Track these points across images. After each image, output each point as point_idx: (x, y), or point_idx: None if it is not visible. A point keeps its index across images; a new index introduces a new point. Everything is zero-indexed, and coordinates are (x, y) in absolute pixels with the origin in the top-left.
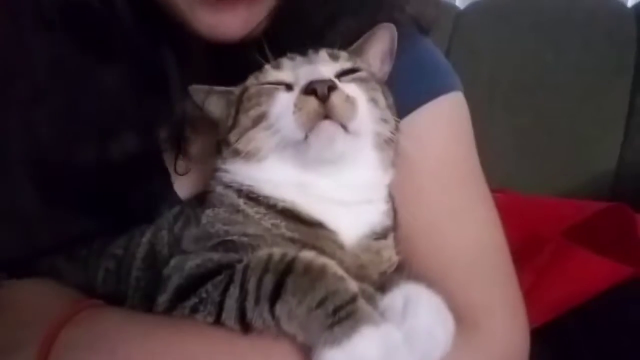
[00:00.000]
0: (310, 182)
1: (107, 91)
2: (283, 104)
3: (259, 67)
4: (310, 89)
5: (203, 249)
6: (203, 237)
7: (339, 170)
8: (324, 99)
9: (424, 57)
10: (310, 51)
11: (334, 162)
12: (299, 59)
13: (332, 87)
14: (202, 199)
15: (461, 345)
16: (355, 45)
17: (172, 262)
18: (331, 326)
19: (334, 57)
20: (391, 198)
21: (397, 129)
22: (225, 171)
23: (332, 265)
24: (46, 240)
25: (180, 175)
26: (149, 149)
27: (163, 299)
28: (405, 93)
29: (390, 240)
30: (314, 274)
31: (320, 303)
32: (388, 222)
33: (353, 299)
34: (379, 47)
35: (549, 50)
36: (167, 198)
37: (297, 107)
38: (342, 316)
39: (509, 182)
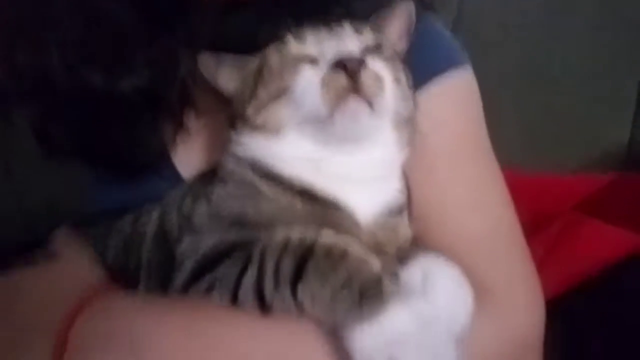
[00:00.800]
0: (327, 159)
1: (119, 22)
2: (308, 79)
3: (275, 35)
4: (340, 65)
5: (217, 227)
6: (216, 215)
7: (359, 149)
8: (353, 75)
9: (430, 33)
10: (333, 23)
11: (356, 140)
12: (323, 31)
13: (362, 63)
14: (209, 177)
15: (482, 319)
16: (374, 20)
17: (185, 241)
18: (359, 305)
19: (359, 31)
20: (404, 176)
21: (415, 108)
22: (240, 145)
23: (354, 246)
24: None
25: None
26: (157, 91)
27: (179, 279)
28: (414, 68)
29: (405, 217)
30: (336, 257)
31: (345, 284)
32: (403, 199)
33: (378, 278)
34: (398, 23)
35: (555, 31)
36: (165, 166)
37: (325, 83)
38: (369, 295)
39: (518, 164)
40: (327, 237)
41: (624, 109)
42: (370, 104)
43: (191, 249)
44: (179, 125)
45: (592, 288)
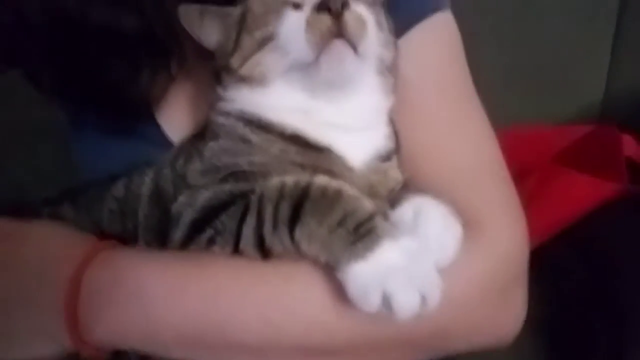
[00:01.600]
0: (315, 108)
1: None
2: (293, 23)
3: None
4: (323, 5)
5: (212, 182)
6: (210, 170)
7: (345, 95)
8: (337, 16)
9: None
10: None
11: (341, 85)
12: None
13: (345, 4)
14: (199, 136)
15: (469, 247)
16: None
17: (181, 197)
18: (354, 242)
19: None
20: (391, 121)
21: (397, 54)
22: (227, 100)
23: (347, 187)
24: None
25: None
26: (156, 33)
27: (177, 235)
28: (395, 15)
29: (394, 162)
30: (331, 197)
31: (341, 222)
32: (391, 144)
33: (371, 217)
34: None
35: None
36: (152, 130)
37: (309, 25)
38: (362, 232)
39: (496, 114)
40: (321, 180)
41: (600, 61)
42: (354, 47)
43: (188, 204)
44: (168, 72)
45: (571, 236)
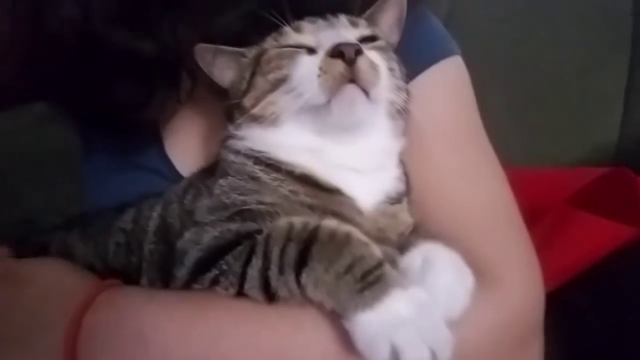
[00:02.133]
0: (325, 149)
1: None
2: (307, 67)
3: (273, 29)
4: (337, 52)
5: (219, 219)
6: (218, 207)
7: (355, 138)
8: (350, 63)
9: (423, 24)
10: (329, 16)
11: (352, 128)
12: (320, 22)
13: (358, 51)
14: (209, 171)
15: (482, 297)
16: (367, 13)
17: (187, 234)
18: (361, 290)
19: (354, 24)
20: (402, 163)
21: (408, 98)
22: (238, 138)
23: (356, 232)
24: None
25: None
26: (169, 58)
27: (182, 273)
28: (406, 60)
29: (405, 204)
30: (339, 241)
31: (348, 269)
32: (402, 187)
33: (379, 264)
34: (391, 15)
35: (544, 27)
36: (162, 163)
37: (323, 70)
38: (370, 280)
39: (507, 159)
40: (330, 223)
41: (613, 103)
42: (366, 92)
43: (194, 241)
44: (177, 97)
45: (587, 280)
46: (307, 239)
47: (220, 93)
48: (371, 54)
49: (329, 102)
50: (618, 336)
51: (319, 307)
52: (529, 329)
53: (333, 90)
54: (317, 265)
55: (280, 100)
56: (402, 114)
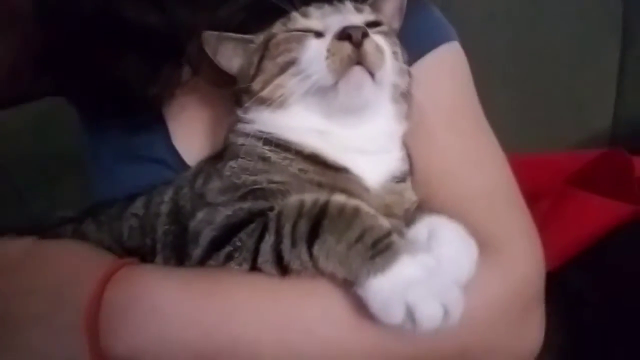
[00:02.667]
0: (332, 131)
1: None
2: (315, 49)
3: (276, 17)
4: (345, 34)
5: (231, 200)
6: (229, 188)
7: (361, 120)
8: (357, 45)
9: (423, 12)
10: (336, 2)
11: (358, 110)
12: (326, 7)
13: (365, 34)
14: (217, 157)
15: (487, 269)
16: (370, 1)
17: (200, 215)
18: (372, 257)
19: (359, 9)
20: (404, 146)
21: (411, 83)
22: (247, 121)
23: (364, 205)
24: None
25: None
26: (177, 35)
27: (197, 252)
28: (406, 45)
29: (409, 183)
30: (349, 214)
31: (359, 238)
32: (405, 167)
33: (389, 233)
34: (392, 3)
35: (537, 16)
36: (169, 153)
37: (331, 52)
38: (381, 248)
39: (503, 148)
40: (339, 198)
41: (606, 89)
42: (372, 74)
43: (207, 221)
44: (178, 77)
45: (586, 259)
46: (317, 213)
47: (223, 82)
48: (376, 37)
49: (336, 83)
50: (617, 314)
51: (331, 278)
52: (532, 298)
53: (340, 72)
54: (329, 236)
55: (288, 83)
56: (405, 97)
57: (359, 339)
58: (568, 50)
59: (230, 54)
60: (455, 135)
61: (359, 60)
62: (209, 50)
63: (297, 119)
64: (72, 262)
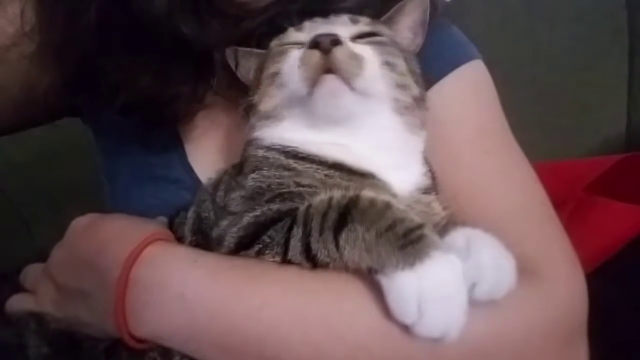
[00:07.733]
0: (346, 143)
1: None
2: (292, 59)
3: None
4: (314, 43)
5: (256, 205)
6: (254, 195)
7: (353, 131)
8: (326, 52)
9: (442, 30)
10: (333, 15)
11: (342, 120)
12: (320, 21)
13: (335, 42)
14: (235, 170)
15: (528, 293)
16: (386, 16)
17: (223, 223)
18: (403, 247)
19: (354, 21)
20: (428, 163)
21: (423, 96)
22: (259, 135)
23: (395, 201)
24: None
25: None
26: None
27: (223, 251)
28: (429, 64)
29: (434, 197)
30: (380, 207)
31: (390, 227)
32: (428, 182)
33: (421, 225)
34: (410, 18)
35: (542, 24)
36: (186, 174)
37: (302, 61)
38: (413, 238)
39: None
40: (369, 193)
41: (618, 93)
42: (347, 82)
43: (232, 225)
44: (203, 93)
45: (611, 270)
46: (347, 204)
47: (239, 97)
48: (361, 47)
49: (311, 93)
50: None
51: (356, 271)
52: (574, 332)
53: (312, 80)
54: (358, 225)
55: (274, 95)
56: (413, 110)
57: (385, 348)
58: (574, 56)
59: (247, 67)
60: (482, 152)
61: (331, 68)
62: (231, 63)
63: (290, 131)
64: (116, 233)
